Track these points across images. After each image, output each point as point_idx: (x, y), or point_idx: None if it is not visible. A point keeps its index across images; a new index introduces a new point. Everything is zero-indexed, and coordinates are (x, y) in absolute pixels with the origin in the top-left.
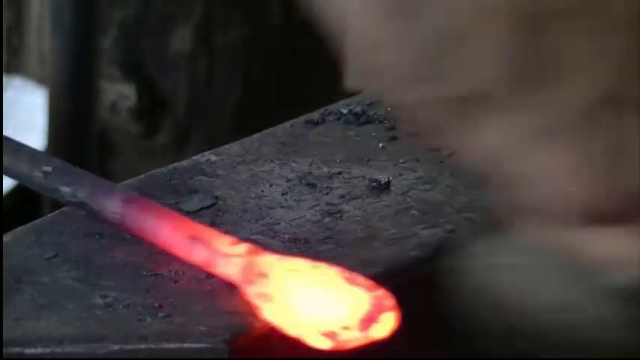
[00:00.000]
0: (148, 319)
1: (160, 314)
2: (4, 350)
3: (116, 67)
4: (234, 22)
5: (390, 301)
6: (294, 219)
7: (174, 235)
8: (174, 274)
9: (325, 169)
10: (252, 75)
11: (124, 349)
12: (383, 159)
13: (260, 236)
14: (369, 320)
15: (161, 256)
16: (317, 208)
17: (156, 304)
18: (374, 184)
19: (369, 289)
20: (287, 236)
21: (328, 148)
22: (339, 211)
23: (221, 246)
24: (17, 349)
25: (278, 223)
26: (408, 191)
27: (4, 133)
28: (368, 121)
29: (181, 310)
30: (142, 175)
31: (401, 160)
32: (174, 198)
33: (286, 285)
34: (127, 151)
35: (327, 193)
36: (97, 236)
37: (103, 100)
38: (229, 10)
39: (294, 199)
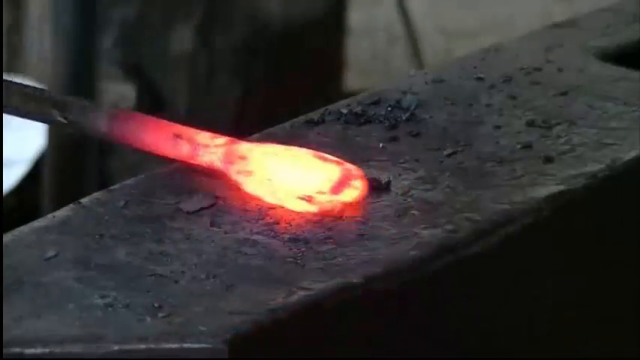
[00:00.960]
0: (148, 319)
1: (160, 314)
2: (4, 350)
3: (116, 67)
4: (235, 22)
5: (358, 170)
6: (294, 219)
7: (159, 136)
8: (174, 274)
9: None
10: (252, 75)
11: (123, 349)
12: (383, 159)
13: (260, 236)
14: (340, 186)
15: (161, 256)
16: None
17: (156, 304)
18: (374, 184)
19: (338, 163)
20: (287, 236)
21: (328, 148)
22: (339, 211)
23: (202, 139)
24: (17, 349)
25: (278, 223)
26: (408, 191)
27: (4, 133)
28: (368, 121)
29: (181, 310)
30: (142, 175)
31: (401, 160)
32: (174, 198)
33: (264, 163)
34: (127, 151)
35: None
36: (97, 236)
37: (103, 100)
38: (229, 10)
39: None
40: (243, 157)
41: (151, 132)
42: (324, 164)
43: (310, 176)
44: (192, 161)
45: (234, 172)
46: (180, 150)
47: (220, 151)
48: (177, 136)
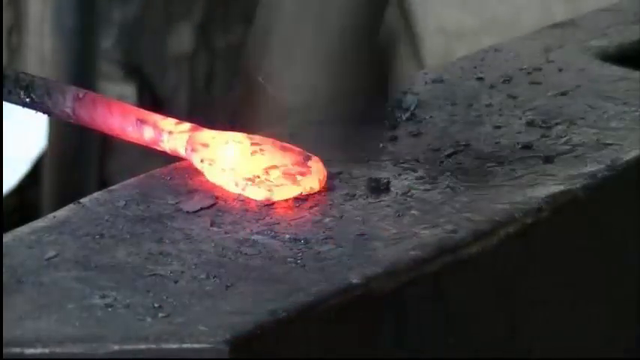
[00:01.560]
0: (148, 319)
1: (160, 314)
2: (4, 350)
3: (116, 67)
4: (234, 22)
5: (318, 161)
6: (294, 219)
7: (123, 120)
8: (174, 274)
9: (325, 169)
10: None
11: (124, 349)
12: (383, 159)
13: (260, 236)
14: (300, 175)
15: (161, 256)
16: (317, 207)
17: (156, 304)
18: (374, 184)
19: (300, 153)
20: (287, 236)
21: (328, 148)
22: (339, 211)
23: (166, 125)
24: (17, 349)
25: (278, 223)
26: (408, 191)
27: (5, 133)
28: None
29: (181, 310)
30: (142, 175)
31: (401, 160)
32: (174, 198)
33: (225, 152)
34: (127, 151)
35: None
36: (97, 236)
37: None
38: (229, 9)
39: (295, 199)
40: (205, 145)
41: (115, 116)
42: (285, 153)
43: (271, 166)
44: (155, 147)
45: (197, 160)
46: (144, 135)
47: (184, 137)
48: (142, 121)
